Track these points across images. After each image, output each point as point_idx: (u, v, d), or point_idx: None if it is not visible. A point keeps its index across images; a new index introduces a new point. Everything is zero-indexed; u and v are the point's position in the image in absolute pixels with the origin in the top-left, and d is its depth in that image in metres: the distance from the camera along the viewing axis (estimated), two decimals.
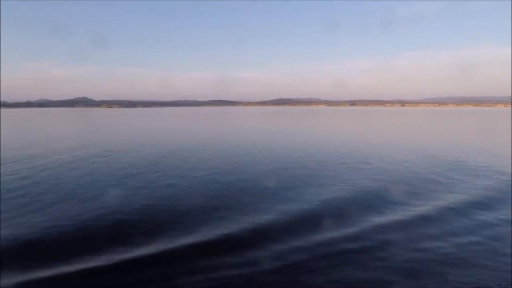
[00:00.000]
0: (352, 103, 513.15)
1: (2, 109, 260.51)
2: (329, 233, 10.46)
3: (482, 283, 7.80)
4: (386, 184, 17.02)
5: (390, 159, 24.96)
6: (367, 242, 9.96)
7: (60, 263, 8.58)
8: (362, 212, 12.45)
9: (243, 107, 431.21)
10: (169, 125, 74.98)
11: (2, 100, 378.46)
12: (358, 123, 79.79)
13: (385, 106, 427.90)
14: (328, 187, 16.20)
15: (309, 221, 11.69)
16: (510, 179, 17.67)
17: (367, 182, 17.45)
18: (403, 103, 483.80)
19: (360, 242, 9.94)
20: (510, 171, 19.82)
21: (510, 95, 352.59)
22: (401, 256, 9.11)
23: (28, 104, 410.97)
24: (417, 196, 14.74)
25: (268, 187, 16.33)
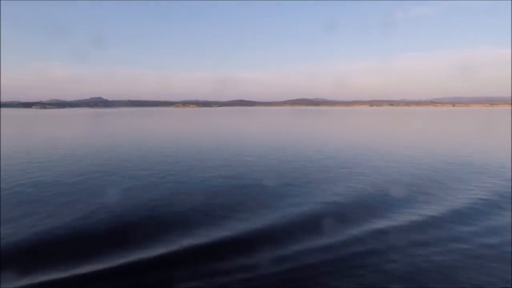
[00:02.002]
0: (391, 103, 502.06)
1: (17, 110, 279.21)
2: (330, 237, 10.37)
3: (483, 285, 7.87)
4: (389, 187, 16.52)
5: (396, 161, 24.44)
6: (369, 246, 9.85)
7: (61, 267, 8.58)
8: (363, 216, 12.30)
9: (273, 107, 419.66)
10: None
11: (13, 100, 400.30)
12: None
13: (435, 106, 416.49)
14: (333, 189, 15.90)
15: (312, 224, 11.58)
16: (511, 179, 17.57)
17: (370, 185, 16.97)
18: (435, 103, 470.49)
19: (362, 246, 9.85)
20: (511, 171, 19.62)
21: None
22: (402, 260, 9.06)
23: (40, 104, 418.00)
24: (420, 199, 14.54)
25: (271, 188, 16.24)
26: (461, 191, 15.49)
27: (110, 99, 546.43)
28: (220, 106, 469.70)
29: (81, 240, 10.31)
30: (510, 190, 15.58)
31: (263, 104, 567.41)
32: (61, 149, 30.72)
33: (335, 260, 8.96)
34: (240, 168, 21.08)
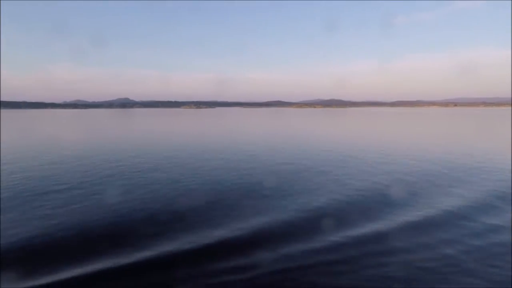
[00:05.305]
0: (455, 103, 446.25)
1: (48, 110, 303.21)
2: (330, 237, 10.47)
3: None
4: (387, 187, 16.65)
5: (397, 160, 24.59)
6: (368, 248, 9.92)
7: (60, 268, 8.73)
8: (362, 216, 12.42)
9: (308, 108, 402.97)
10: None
11: (38, 100, 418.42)
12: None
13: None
14: (333, 189, 16.07)
15: (311, 224, 11.68)
16: (510, 181, 17.34)
17: (370, 185, 17.08)
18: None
19: (360, 247, 9.93)
20: (510, 172, 19.36)
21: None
22: (403, 262, 9.09)
23: (65, 105, 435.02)
24: (419, 200, 14.40)
25: (270, 189, 16.22)
26: (464, 190, 15.66)
27: (137, 100, 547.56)
28: (260, 107, 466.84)
29: (80, 240, 10.52)
30: (510, 190, 15.71)
31: (292, 105, 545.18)
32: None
33: (334, 261, 9.10)
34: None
